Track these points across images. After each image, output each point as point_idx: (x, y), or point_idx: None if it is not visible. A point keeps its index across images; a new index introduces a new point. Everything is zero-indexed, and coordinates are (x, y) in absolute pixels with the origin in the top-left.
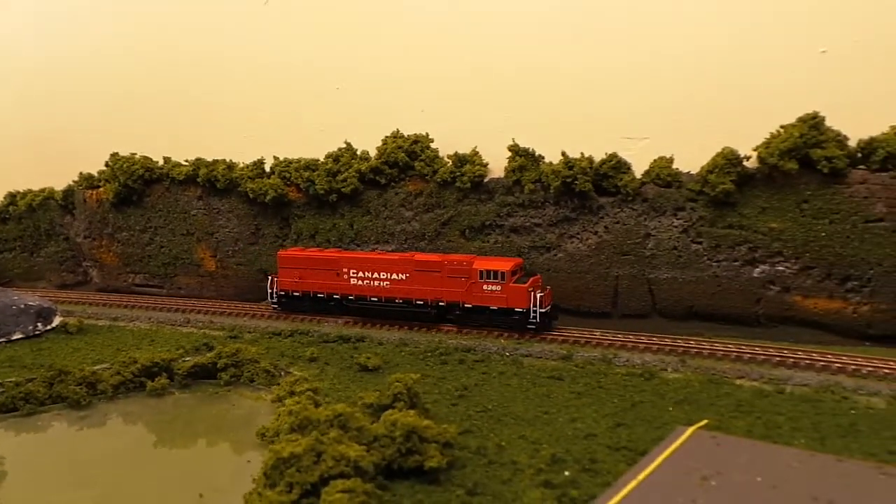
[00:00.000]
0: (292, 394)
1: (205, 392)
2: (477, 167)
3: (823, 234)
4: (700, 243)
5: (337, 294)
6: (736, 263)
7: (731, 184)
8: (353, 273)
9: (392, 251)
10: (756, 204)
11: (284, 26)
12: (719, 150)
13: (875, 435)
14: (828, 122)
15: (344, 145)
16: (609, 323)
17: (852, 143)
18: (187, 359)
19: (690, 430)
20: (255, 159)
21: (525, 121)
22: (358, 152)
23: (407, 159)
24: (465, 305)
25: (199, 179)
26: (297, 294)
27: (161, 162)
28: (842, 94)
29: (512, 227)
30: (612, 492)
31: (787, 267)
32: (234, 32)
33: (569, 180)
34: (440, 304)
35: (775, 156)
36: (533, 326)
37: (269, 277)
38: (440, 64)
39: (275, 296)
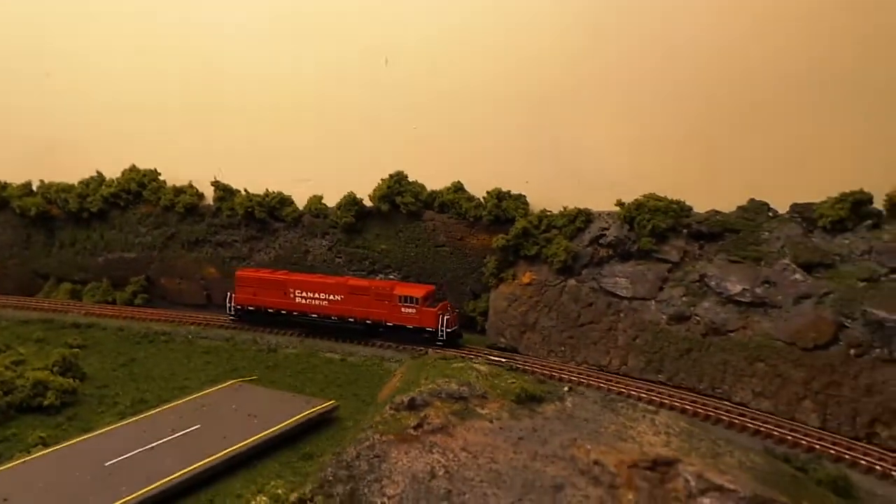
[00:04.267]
0: None
1: None
2: (190, 196)
3: (413, 254)
4: (341, 258)
5: (284, 310)
6: (363, 272)
7: (352, 217)
8: (298, 293)
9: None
10: (373, 231)
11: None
12: (346, 193)
13: (361, 385)
14: (411, 178)
15: (95, 174)
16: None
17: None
18: None
19: (231, 382)
20: (24, 181)
21: (236, 159)
22: (107, 179)
23: (138, 188)
24: (388, 324)
25: None
26: (251, 308)
27: None
28: (425, 158)
29: (218, 242)
30: (146, 414)
31: (395, 276)
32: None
33: (250, 210)
34: (367, 321)
35: (376, 199)
36: (441, 343)
37: (228, 293)
38: (171, 112)
39: (232, 309)
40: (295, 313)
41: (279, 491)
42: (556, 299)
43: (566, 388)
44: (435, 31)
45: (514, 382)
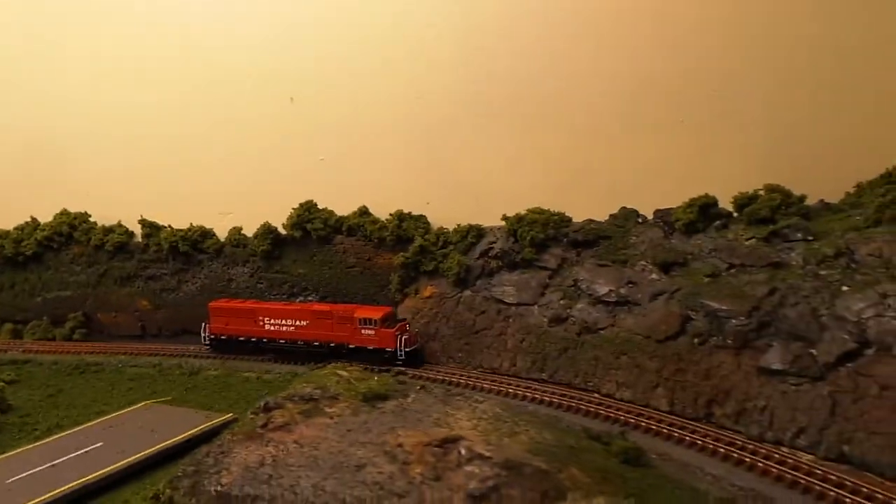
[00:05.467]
0: None
1: None
2: (119, 235)
3: (328, 276)
4: (262, 284)
5: (254, 337)
6: (284, 296)
7: (268, 245)
8: (267, 320)
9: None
10: (290, 257)
11: None
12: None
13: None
14: (321, 205)
15: (30, 219)
16: None
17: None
18: None
19: (143, 403)
20: None
21: (162, 198)
22: (41, 223)
23: (69, 230)
24: (350, 346)
25: None
26: (224, 337)
27: None
28: (333, 186)
29: (149, 276)
30: (55, 436)
31: (313, 297)
32: None
33: (174, 244)
34: (331, 344)
35: (289, 227)
36: (400, 362)
37: (203, 324)
38: (98, 155)
39: (207, 339)
40: (265, 340)
41: (150, 493)
42: (454, 309)
43: (418, 387)
44: (335, 68)
45: (374, 382)
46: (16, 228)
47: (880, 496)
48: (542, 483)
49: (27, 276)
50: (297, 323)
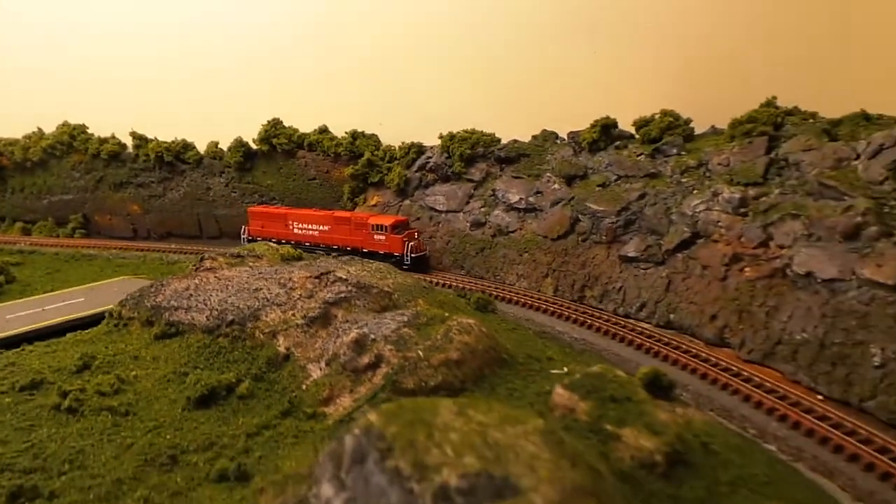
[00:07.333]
0: None
1: None
2: (112, 145)
3: (292, 186)
4: (236, 193)
5: (285, 240)
6: (255, 203)
7: (240, 157)
8: (296, 224)
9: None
10: (260, 169)
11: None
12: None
13: None
14: (287, 123)
15: (36, 129)
16: (198, 242)
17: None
18: None
19: (122, 277)
20: None
21: (154, 113)
22: (46, 133)
23: (70, 140)
24: (364, 250)
25: None
26: (259, 239)
27: None
28: (299, 107)
29: (138, 183)
30: (48, 294)
31: (278, 205)
32: None
33: (160, 154)
34: (347, 248)
35: (258, 142)
36: (407, 267)
37: (243, 226)
38: (96, 71)
39: (245, 240)
40: (293, 243)
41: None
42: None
43: (332, 255)
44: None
45: (294, 252)
46: (24, 137)
47: (675, 343)
48: (384, 300)
49: (34, 181)
50: (321, 228)
